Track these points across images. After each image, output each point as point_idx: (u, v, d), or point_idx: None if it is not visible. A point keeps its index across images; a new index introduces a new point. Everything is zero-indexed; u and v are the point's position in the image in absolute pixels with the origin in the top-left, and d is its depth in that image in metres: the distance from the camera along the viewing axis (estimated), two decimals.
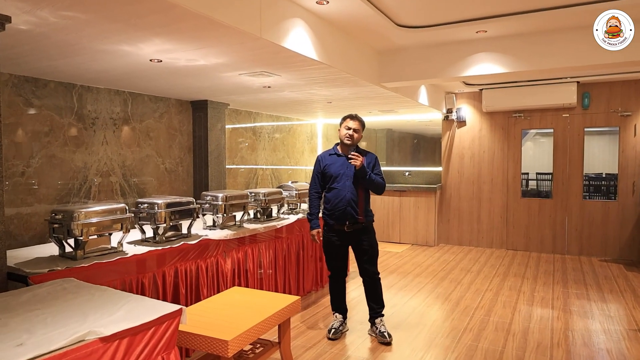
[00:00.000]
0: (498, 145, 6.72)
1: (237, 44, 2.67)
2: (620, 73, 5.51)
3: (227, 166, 6.06)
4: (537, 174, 7.89)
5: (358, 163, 3.04)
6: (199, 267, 2.96)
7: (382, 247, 6.46)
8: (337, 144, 3.33)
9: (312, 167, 3.46)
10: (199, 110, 5.43)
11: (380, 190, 3.24)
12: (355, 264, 3.63)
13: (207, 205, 3.34)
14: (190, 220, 3.01)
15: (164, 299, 2.64)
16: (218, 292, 3.10)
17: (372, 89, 4.69)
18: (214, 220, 3.42)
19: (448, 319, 3.75)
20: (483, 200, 6.82)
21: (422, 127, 9.35)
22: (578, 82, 5.95)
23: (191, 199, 2.99)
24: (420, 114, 7.39)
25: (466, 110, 6.88)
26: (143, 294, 2.50)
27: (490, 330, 3.49)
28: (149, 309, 1.54)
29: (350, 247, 3.34)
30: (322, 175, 3.29)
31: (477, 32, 3.80)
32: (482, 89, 6.52)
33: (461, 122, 6.92)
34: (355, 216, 3.17)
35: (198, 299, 2.92)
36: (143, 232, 2.81)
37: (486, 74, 4.07)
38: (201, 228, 3.37)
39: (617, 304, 4.14)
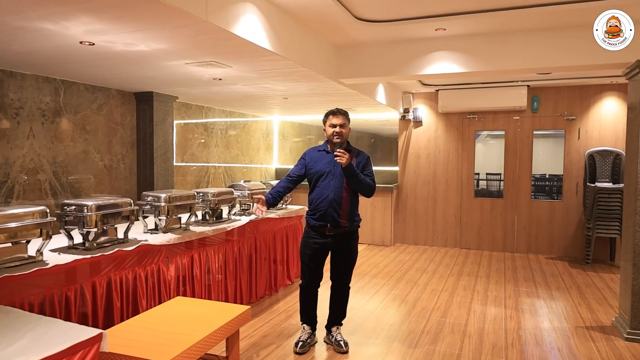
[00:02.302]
0: (453, 146, 6.80)
1: (181, 27, 2.40)
2: (567, 78, 5.71)
3: (175, 164, 5.69)
4: (487, 174, 8.13)
5: (344, 161, 2.77)
6: (137, 276, 2.66)
7: None
8: (327, 141, 3.07)
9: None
10: (144, 103, 5.03)
11: (368, 192, 2.97)
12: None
13: (148, 206, 3.03)
14: (127, 224, 2.70)
15: (94, 315, 2.33)
16: (160, 303, 2.81)
17: (330, 85, 4.53)
18: (156, 223, 3.11)
19: (405, 322, 3.67)
20: (438, 200, 6.88)
21: (379, 126, 9.32)
22: (528, 85, 6.11)
23: (128, 199, 2.68)
24: (378, 113, 7.34)
25: (423, 111, 6.90)
26: (68, 310, 2.17)
27: (446, 332, 3.44)
28: (60, 335, 1.26)
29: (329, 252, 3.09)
30: (305, 173, 3.03)
31: (436, 30, 3.74)
32: (438, 90, 6.56)
33: (418, 122, 6.94)
34: (337, 219, 2.92)
35: (136, 312, 2.62)
36: (70, 238, 2.47)
37: (444, 72, 4.02)
38: (141, 232, 3.05)
39: (564, 301, 4.25)
